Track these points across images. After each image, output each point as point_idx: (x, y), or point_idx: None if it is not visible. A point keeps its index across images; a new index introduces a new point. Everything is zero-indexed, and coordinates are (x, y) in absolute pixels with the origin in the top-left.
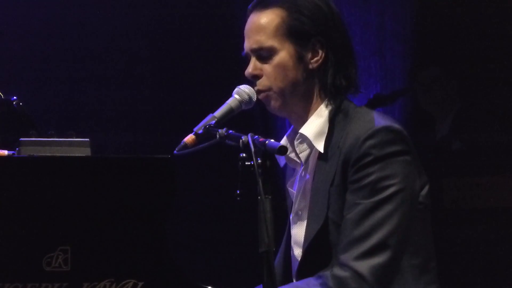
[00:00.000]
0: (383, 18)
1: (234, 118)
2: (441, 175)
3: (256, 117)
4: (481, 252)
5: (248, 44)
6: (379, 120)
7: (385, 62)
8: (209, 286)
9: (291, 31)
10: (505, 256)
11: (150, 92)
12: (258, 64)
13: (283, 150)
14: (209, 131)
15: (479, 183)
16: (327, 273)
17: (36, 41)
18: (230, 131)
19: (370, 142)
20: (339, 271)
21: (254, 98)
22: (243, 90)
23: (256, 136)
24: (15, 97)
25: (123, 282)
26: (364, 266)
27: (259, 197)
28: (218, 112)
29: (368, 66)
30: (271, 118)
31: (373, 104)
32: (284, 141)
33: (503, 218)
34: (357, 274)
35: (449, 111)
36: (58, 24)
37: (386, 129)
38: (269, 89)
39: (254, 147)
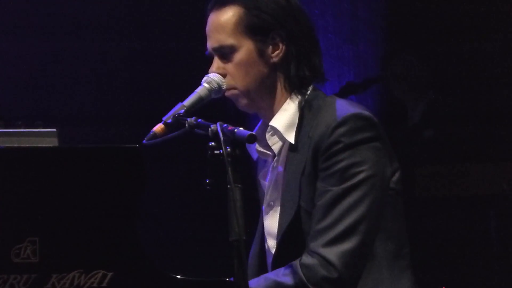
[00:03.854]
0: (356, 5)
1: (208, 108)
2: (413, 163)
3: (229, 106)
4: (454, 240)
5: (209, 44)
6: (348, 107)
7: (358, 50)
8: (179, 275)
9: (250, 27)
10: (478, 243)
11: (120, 82)
12: (221, 63)
13: (252, 138)
14: (178, 120)
15: (451, 171)
16: (296, 261)
17: (4, 28)
18: (200, 120)
19: (339, 130)
20: (307, 259)
21: (224, 86)
22: (212, 79)
23: (225, 125)
24: None
25: (92, 273)
26: (332, 253)
27: (228, 186)
28: (187, 101)
29: (341, 54)
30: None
31: (345, 92)
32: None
33: (476, 206)
34: (325, 261)
35: (421, 99)
36: (29, 16)
37: (356, 116)
38: (234, 87)
39: (223, 135)
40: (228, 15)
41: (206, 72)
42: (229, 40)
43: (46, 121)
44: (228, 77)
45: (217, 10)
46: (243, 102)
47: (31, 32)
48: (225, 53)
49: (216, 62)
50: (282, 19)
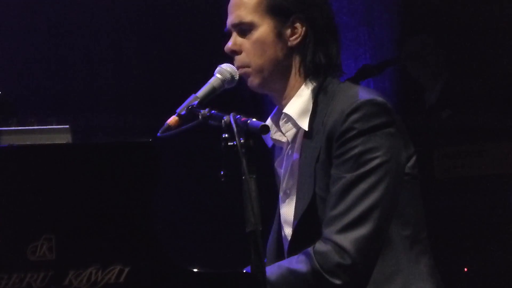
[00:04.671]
0: None
1: (223, 99)
2: (431, 145)
3: (246, 97)
4: (474, 220)
5: (229, 20)
6: (362, 93)
7: (374, 32)
8: (196, 269)
9: (272, 7)
10: (498, 223)
11: (134, 74)
12: (238, 39)
13: (265, 129)
14: (191, 112)
15: (470, 151)
16: (310, 248)
17: (16, 23)
18: (213, 111)
19: (353, 116)
20: (321, 246)
21: (237, 77)
22: (225, 69)
23: (238, 116)
24: None
25: (109, 268)
26: (347, 239)
27: (243, 177)
28: (201, 92)
29: (356, 36)
30: (262, 98)
31: (362, 75)
32: (268, 122)
33: (495, 185)
34: (339, 247)
35: (437, 79)
36: (37, 5)
37: (369, 102)
38: (248, 65)
39: (237, 126)
40: None
41: (220, 61)
42: (249, 17)
43: (59, 110)
44: (243, 54)
45: None
46: (255, 81)
47: (44, 23)
48: (244, 29)
49: (233, 38)
50: (305, 3)
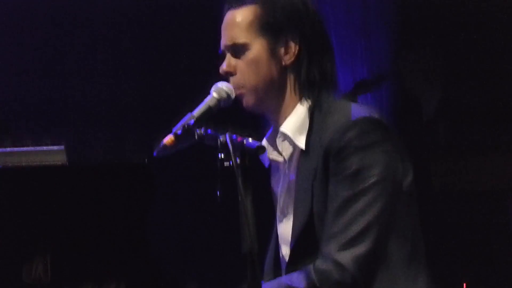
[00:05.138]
0: None
1: (223, 116)
2: (429, 158)
3: (245, 114)
4: (472, 234)
5: (223, 41)
6: (358, 110)
7: (371, 44)
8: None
9: (264, 27)
10: (497, 237)
11: (129, 90)
12: (233, 60)
13: (261, 149)
14: (188, 131)
15: (468, 164)
16: (310, 266)
17: (8, 41)
18: (209, 130)
19: (350, 134)
20: (321, 264)
21: (233, 96)
22: (221, 88)
23: (234, 136)
24: None
25: (105, 286)
26: (346, 257)
27: (239, 198)
28: (197, 111)
29: (353, 48)
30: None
31: (359, 89)
32: (264, 142)
33: (494, 199)
34: (339, 265)
35: (435, 92)
36: (33, 19)
37: (366, 119)
38: (243, 86)
39: (232, 147)
40: (244, 14)
41: (216, 79)
42: (242, 38)
43: (54, 127)
44: (238, 75)
45: (234, 8)
46: (250, 101)
47: (38, 40)
48: (238, 50)
49: (228, 60)
50: (297, 21)
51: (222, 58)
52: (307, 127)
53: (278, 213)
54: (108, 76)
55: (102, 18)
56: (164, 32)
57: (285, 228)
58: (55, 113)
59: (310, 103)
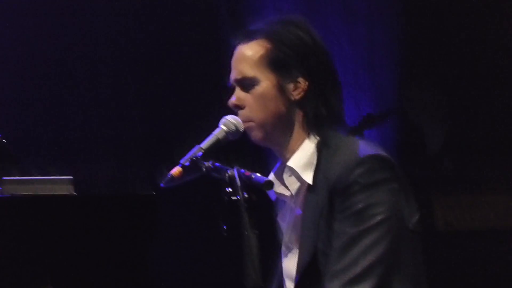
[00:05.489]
0: (372, 31)
1: (226, 148)
2: (433, 194)
3: (249, 147)
4: (475, 276)
5: (232, 74)
6: (366, 148)
7: (375, 77)
8: None
9: (274, 62)
10: (501, 279)
11: (137, 121)
12: (241, 94)
13: (269, 185)
14: (195, 163)
15: (472, 202)
16: None
17: (18, 70)
18: (217, 163)
19: (357, 171)
20: None
21: (241, 129)
22: (229, 121)
23: (242, 170)
24: None
25: None
26: None
27: (245, 232)
28: (205, 144)
29: (358, 81)
30: (265, 149)
31: (365, 124)
32: (271, 176)
33: (498, 239)
34: None
35: (440, 127)
36: (39, 51)
37: (373, 157)
38: (251, 120)
39: (240, 181)
40: (254, 49)
41: (224, 112)
42: (251, 72)
43: (60, 159)
44: (246, 109)
45: (244, 43)
46: (258, 135)
47: (45, 72)
48: (247, 84)
49: (237, 93)
50: (306, 58)
51: (231, 91)
52: (315, 163)
53: (283, 248)
54: (115, 108)
55: (108, 54)
56: (170, 65)
57: (289, 263)
58: (62, 145)
59: (317, 139)
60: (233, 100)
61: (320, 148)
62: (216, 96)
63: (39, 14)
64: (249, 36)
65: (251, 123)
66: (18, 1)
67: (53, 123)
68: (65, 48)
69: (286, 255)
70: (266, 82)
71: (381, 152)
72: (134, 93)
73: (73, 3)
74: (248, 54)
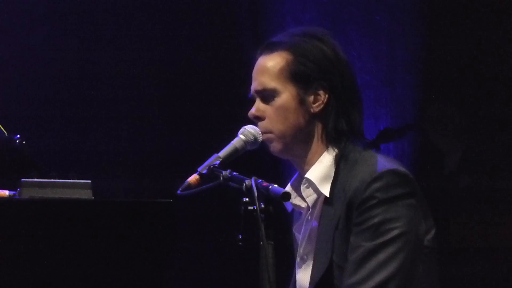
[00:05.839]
0: (394, 48)
1: (242, 159)
2: (448, 212)
3: (266, 158)
4: None
5: (253, 86)
6: (384, 163)
7: (396, 93)
8: None
9: (295, 75)
10: None
11: (154, 132)
12: (261, 105)
13: (286, 196)
14: (213, 172)
15: (487, 221)
16: None
17: (42, 80)
18: (234, 173)
19: (375, 185)
20: None
21: (260, 139)
22: (248, 131)
23: (260, 180)
24: (18, 136)
25: None
26: None
27: (261, 243)
28: (223, 152)
29: (378, 96)
30: (281, 160)
31: (382, 138)
32: (288, 187)
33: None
34: None
35: (457, 146)
36: (63, 64)
37: (391, 172)
38: (270, 131)
39: (257, 191)
40: (275, 60)
41: (242, 122)
42: (272, 84)
43: (79, 168)
44: (266, 120)
45: (266, 55)
46: (277, 147)
47: (65, 78)
48: (267, 96)
49: (257, 105)
50: (327, 70)
51: (251, 102)
52: (332, 176)
53: (297, 259)
54: (135, 117)
55: (125, 69)
56: (191, 75)
57: (304, 275)
58: (81, 154)
59: (336, 152)
60: (253, 111)
61: (338, 161)
62: (236, 105)
63: (63, 27)
64: (270, 48)
65: (270, 135)
66: (44, 11)
67: (72, 132)
68: (88, 59)
69: (300, 267)
70: (286, 94)
71: (399, 167)
72: (154, 102)
73: (97, 17)
74: (269, 66)
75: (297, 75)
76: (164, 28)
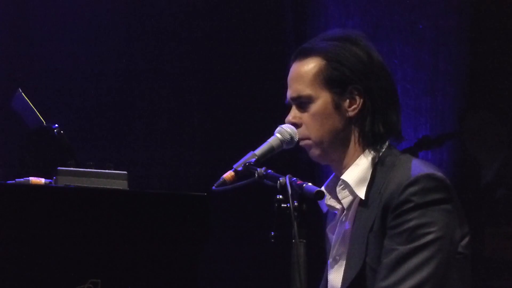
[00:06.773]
0: (437, 58)
1: (278, 158)
2: (484, 223)
3: (302, 158)
4: None
5: (288, 93)
6: (421, 167)
7: (436, 102)
8: None
9: (329, 80)
10: None
11: (193, 128)
12: (298, 112)
13: (320, 194)
14: (248, 169)
15: None
16: None
17: (83, 71)
18: (269, 170)
19: (411, 189)
20: None
21: (296, 138)
22: (285, 130)
23: (294, 178)
24: (56, 125)
25: None
26: None
27: (293, 241)
28: (259, 150)
29: (418, 105)
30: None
31: (421, 145)
32: (323, 188)
33: None
34: None
35: (496, 157)
36: (101, 56)
37: (428, 176)
38: (308, 137)
39: (292, 189)
40: (309, 66)
41: (279, 121)
42: (307, 91)
43: (116, 162)
44: (303, 127)
45: (299, 61)
46: (316, 152)
47: (106, 79)
48: (303, 103)
49: (293, 111)
50: (362, 74)
51: (288, 108)
52: (369, 178)
53: (330, 260)
54: (174, 110)
55: (166, 65)
56: (232, 72)
57: (336, 276)
58: (119, 144)
59: (373, 154)
60: (289, 118)
61: (375, 164)
62: (274, 105)
63: (110, 26)
64: (303, 54)
65: (308, 141)
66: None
67: (111, 121)
68: (130, 53)
69: (332, 267)
70: (321, 100)
71: (436, 171)
72: (194, 98)
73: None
74: (303, 72)
75: (331, 80)
76: (208, 33)
